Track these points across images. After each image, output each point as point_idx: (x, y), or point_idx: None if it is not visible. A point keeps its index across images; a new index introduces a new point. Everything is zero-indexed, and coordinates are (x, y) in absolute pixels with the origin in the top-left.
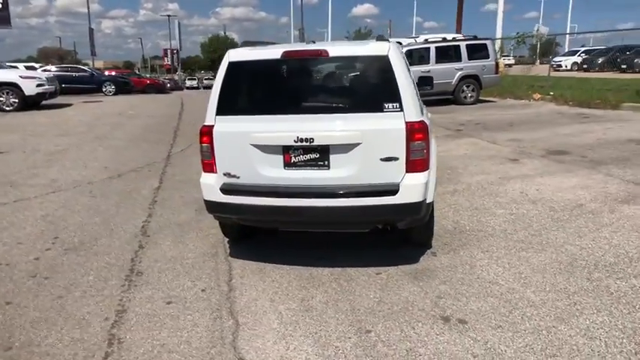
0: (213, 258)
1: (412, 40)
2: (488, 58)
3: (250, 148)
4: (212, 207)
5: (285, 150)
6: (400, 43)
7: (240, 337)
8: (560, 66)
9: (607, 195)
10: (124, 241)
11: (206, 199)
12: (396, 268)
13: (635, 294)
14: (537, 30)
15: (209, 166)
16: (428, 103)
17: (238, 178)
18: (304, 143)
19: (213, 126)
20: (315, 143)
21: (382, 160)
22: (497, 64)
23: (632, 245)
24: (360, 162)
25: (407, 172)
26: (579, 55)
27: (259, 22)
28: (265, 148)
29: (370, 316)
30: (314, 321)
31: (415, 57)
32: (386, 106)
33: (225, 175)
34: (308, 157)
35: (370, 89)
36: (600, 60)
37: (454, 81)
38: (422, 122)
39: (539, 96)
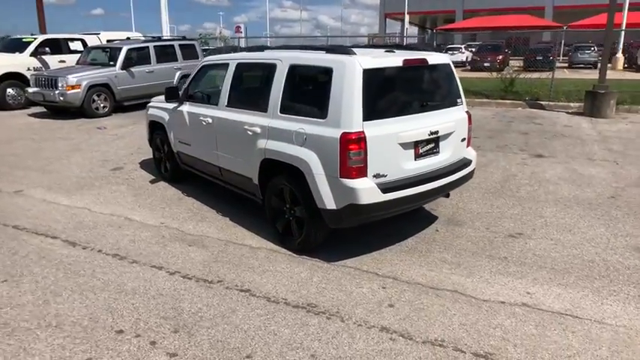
0: (322, 269)
1: (95, 37)
2: (198, 58)
3: (396, 146)
4: (372, 208)
5: (416, 144)
6: (82, 43)
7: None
8: None
9: None
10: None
11: (365, 202)
12: (436, 224)
13: (540, 195)
14: (220, 33)
15: (359, 171)
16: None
17: (386, 176)
18: (432, 136)
19: (363, 131)
20: (438, 134)
21: (461, 141)
22: None
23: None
24: (453, 145)
25: (467, 147)
26: None
27: None
28: (406, 144)
29: (495, 251)
30: (481, 266)
31: (137, 57)
32: (457, 100)
33: (374, 176)
34: (428, 147)
35: (448, 88)
36: None
37: (175, 80)
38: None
39: None
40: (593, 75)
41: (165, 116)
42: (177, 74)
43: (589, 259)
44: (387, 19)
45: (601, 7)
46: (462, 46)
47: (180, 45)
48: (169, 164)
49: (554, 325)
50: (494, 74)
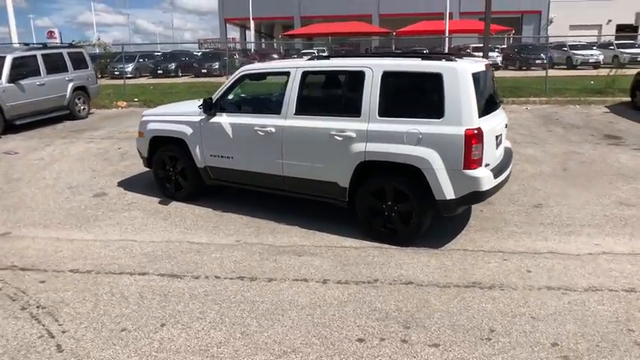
0: (441, 255)
1: None
2: (88, 67)
3: (493, 138)
4: (488, 193)
5: (498, 135)
6: None
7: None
8: (125, 72)
9: None
10: None
11: (485, 188)
12: (476, 206)
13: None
14: (98, 39)
15: (478, 162)
16: (40, 123)
17: (489, 165)
18: (505, 128)
19: (480, 127)
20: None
21: (506, 132)
22: (95, 74)
23: None
24: (504, 135)
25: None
26: (138, 61)
27: None
28: (496, 136)
29: (539, 219)
30: (544, 232)
31: (24, 67)
32: (502, 100)
33: (485, 165)
34: (499, 138)
35: (495, 89)
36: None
37: (68, 94)
38: None
39: (124, 103)
40: None
41: (187, 130)
42: (70, 86)
43: (602, 214)
44: (228, 25)
45: (419, 15)
46: (315, 51)
47: (68, 53)
48: (186, 182)
49: None
50: None
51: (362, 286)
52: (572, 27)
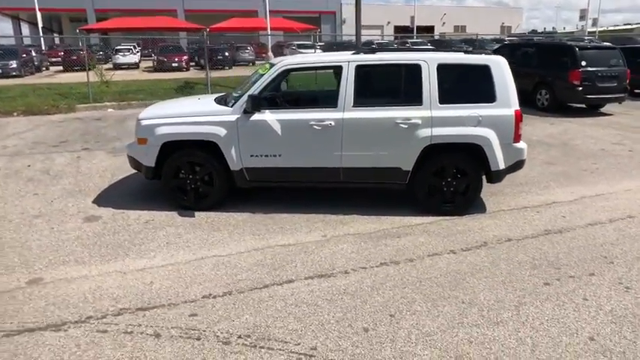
0: (493, 216)
1: None
2: None
3: None
4: (525, 161)
5: None
6: None
7: None
8: None
9: None
10: None
11: (525, 157)
12: None
13: None
14: None
15: (520, 136)
16: None
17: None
18: None
19: (520, 108)
20: None
21: None
22: None
23: None
24: None
25: None
26: None
27: None
28: None
29: (511, 181)
30: (529, 190)
31: None
32: None
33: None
34: None
35: None
36: None
37: None
38: None
39: None
40: None
41: (219, 131)
42: None
43: (548, 172)
44: None
45: (227, 12)
46: (132, 47)
47: None
48: (213, 188)
49: (615, 199)
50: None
51: (483, 249)
52: (362, 27)
